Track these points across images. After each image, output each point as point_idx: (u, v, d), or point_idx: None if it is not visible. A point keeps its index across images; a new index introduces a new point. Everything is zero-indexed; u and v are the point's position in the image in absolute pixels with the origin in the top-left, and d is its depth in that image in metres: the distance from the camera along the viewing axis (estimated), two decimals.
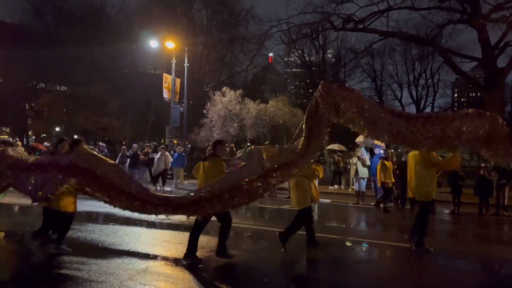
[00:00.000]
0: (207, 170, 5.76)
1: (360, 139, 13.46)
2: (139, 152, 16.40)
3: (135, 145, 17.50)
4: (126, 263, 5.52)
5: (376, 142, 13.07)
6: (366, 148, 13.65)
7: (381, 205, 11.68)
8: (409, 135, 5.17)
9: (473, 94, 75.42)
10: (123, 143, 28.62)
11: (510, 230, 10.44)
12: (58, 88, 35.62)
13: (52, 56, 30.14)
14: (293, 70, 47.41)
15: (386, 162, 11.48)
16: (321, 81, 5.70)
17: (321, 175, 6.98)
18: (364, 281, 5.39)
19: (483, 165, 12.74)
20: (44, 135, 39.65)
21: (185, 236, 7.33)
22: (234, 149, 16.26)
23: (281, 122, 27.36)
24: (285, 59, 44.19)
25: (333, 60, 44.16)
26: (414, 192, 6.84)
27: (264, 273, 5.63)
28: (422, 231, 6.68)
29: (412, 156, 6.81)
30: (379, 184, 11.73)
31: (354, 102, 5.22)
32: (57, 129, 41.96)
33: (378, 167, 11.54)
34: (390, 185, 11.50)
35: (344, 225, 9.69)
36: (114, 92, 29.84)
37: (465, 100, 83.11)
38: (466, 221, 11.11)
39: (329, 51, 44.12)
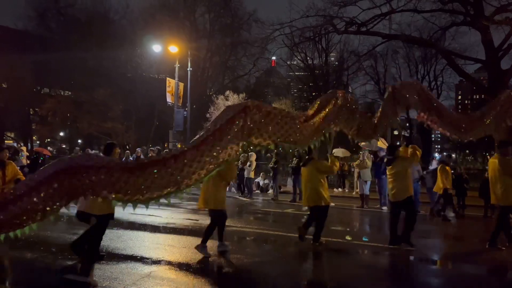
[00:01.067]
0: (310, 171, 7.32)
1: (364, 142, 13.42)
2: (142, 157, 16.44)
3: (138, 150, 17.56)
4: (130, 268, 5.51)
5: (379, 144, 13.03)
6: (370, 151, 13.63)
7: (442, 213, 10.86)
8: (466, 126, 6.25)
9: (477, 96, 75.15)
10: (127, 147, 28.72)
11: None
12: (62, 93, 35.84)
13: (56, 62, 30.38)
14: (296, 73, 47.46)
15: (447, 167, 10.83)
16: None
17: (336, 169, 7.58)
18: (367, 284, 5.35)
19: (488, 167, 12.66)
20: (49, 140, 39.83)
21: (189, 240, 7.33)
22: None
23: None
24: (288, 63, 44.26)
25: (336, 63, 44.19)
26: (498, 198, 7.13)
27: (268, 277, 5.61)
28: (498, 231, 7.22)
29: (492, 163, 7.29)
30: (440, 191, 10.84)
31: (420, 96, 5.98)
32: (61, 134, 42.19)
33: (439, 172, 10.76)
34: (450, 191, 10.79)
35: (348, 229, 9.64)
36: (118, 97, 29.98)
37: (469, 102, 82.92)
38: (471, 224, 11.03)
39: (332, 54, 44.16)
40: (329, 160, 7.39)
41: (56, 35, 35.28)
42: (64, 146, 43.32)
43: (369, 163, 13.06)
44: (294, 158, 14.27)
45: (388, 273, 6.12)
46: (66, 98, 32.71)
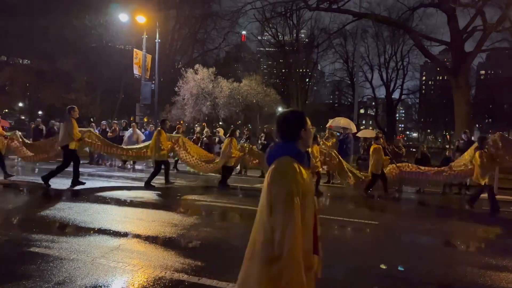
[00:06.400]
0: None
1: (332, 123, 13.92)
2: (107, 130, 16.09)
3: (103, 122, 17.14)
4: (98, 241, 5.46)
5: (347, 125, 13.50)
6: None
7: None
8: None
9: (441, 78, 77.33)
10: (92, 120, 27.93)
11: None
12: (21, 62, 34.11)
13: (15, 27, 28.73)
14: (266, 49, 47.15)
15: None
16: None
17: None
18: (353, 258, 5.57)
19: (447, 146, 13.28)
20: (7, 110, 38.06)
21: (157, 214, 7.34)
22: (207, 128, 16.07)
23: (254, 101, 27.31)
24: (259, 38, 43.88)
25: (307, 40, 44.18)
26: None
27: (235, 248, 5.72)
28: None
29: None
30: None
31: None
32: (21, 104, 40.40)
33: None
34: None
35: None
36: (82, 68, 28.89)
37: (432, 83, 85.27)
38: (430, 199, 11.59)
39: (302, 31, 44.06)
40: None
41: None
42: (23, 117, 41.54)
43: (333, 140, 13.45)
44: (262, 135, 14.42)
45: (362, 246, 6.37)
46: (26, 67, 31.19)
